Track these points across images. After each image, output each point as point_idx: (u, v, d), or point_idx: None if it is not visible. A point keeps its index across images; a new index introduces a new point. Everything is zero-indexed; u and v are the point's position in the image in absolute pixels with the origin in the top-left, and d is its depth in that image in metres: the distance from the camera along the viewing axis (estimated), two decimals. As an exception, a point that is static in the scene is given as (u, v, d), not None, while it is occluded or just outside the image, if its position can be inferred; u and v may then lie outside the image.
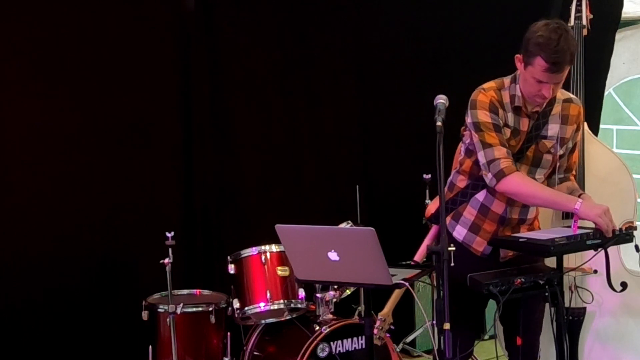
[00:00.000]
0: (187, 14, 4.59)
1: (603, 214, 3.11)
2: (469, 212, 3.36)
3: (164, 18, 4.54)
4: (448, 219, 3.41)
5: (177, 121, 4.60)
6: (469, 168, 3.34)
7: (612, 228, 3.12)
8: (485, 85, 3.27)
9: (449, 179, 3.49)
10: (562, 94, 3.33)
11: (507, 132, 3.24)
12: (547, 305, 3.26)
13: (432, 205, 3.59)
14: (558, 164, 3.35)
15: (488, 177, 3.19)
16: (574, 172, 3.44)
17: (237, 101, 4.76)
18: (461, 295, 2.97)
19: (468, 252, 3.30)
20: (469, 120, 3.25)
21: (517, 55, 3.19)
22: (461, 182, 3.39)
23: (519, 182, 3.17)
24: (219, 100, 4.70)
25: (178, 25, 4.57)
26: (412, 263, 3.59)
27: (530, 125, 3.27)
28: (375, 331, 3.62)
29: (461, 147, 3.41)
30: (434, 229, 3.61)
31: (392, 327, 4.08)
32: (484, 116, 3.19)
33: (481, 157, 3.20)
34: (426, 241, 3.70)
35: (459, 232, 3.37)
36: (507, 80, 3.29)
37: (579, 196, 3.24)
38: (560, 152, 3.33)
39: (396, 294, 3.88)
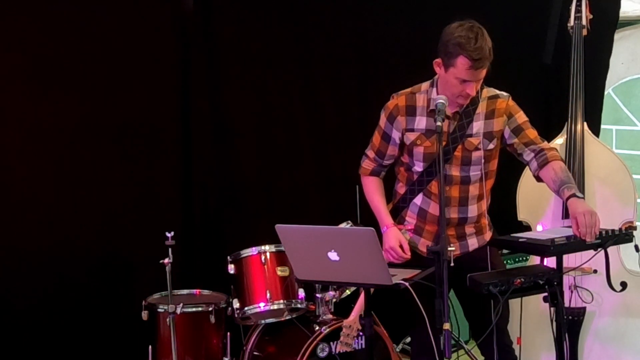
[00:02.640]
0: (186, 14, 4.58)
1: (389, 248, 3.34)
2: (410, 217, 3.52)
3: (163, 18, 4.53)
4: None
5: (176, 121, 4.60)
6: (405, 175, 3.51)
7: (396, 258, 3.32)
8: (400, 91, 3.49)
9: (394, 187, 3.58)
10: (487, 92, 3.42)
11: (412, 136, 3.38)
12: (547, 305, 3.26)
13: None
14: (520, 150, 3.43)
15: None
16: (544, 144, 3.41)
17: (237, 101, 4.76)
18: (423, 295, 2.98)
19: (415, 254, 3.44)
20: None
21: (436, 60, 3.31)
22: (400, 188, 3.57)
23: (364, 184, 3.62)
24: (218, 99, 4.69)
25: (177, 25, 4.57)
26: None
27: (453, 127, 3.35)
28: (341, 338, 3.64)
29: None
30: None
31: (361, 332, 4.06)
32: (382, 121, 3.49)
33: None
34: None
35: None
36: (425, 84, 3.45)
37: (569, 197, 3.21)
38: (491, 146, 3.40)
39: (362, 300, 3.85)
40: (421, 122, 3.37)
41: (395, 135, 3.43)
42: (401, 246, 3.34)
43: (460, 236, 3.46)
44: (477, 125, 3.36)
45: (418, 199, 3.45)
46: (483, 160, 3.38)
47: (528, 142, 3.41)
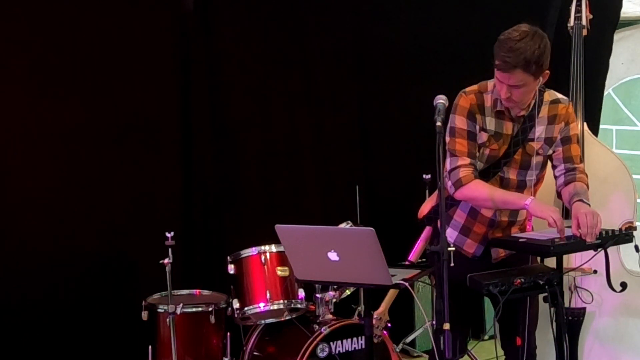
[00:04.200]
0: (186, 14, 4.58)
1: (554, 212, 3.12)
2: (459, 216, 3.41)
3: (163, 18, 4.53)
4: (439, 222, 3.45)
5: (176, 121, 4.60)
6: None
7: (560, 227, 3.11)
8: (467, 89, 3.32)
9: (440, 182, 3.52)
10: (549, 96, 3.35)
11: (484, 136, 3.28)
12: (547, 305, 3.26)
13: (425, 206, 3.61)
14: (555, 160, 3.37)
15: (448, 185, 3.26)
16: (580, 166, 3.39)
17: (236, 101, 4.76)
18: (454, 296, 2.97)
19: (459, 254, 3.32)
20: (448, 123, 3.30)
21: None
22: (451, 187, 3.41)
23: (473, 189, 3.24)
24: (218, 100, 4.70)
25: (177, 25, 4.57)
26: (407, 263, 3.61)
27: (517, 129, 3.29)
28: None
29: None
30: (427, 230, 3.63)
31: (389, 324, 4.08)
32: (460, 122, 3.25)
33: (447, 164, 3.27)
34: (420, 242, 3.70)
35: (450, 234, 3.41)
36: (491, 83, 3.31)
37: (575, 202, 3.21)
38: (550, 151, 3.36)
39: (392, 292, 3.89)
40: (491, 123, 3.28)
41: (477, 131, 3.27)
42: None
43: None
44: (540, 130, 3.30)
45: None
46: (540, 166, 3.34)
47: (568, 158, 3.35)
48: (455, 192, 3.26)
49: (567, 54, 4.31)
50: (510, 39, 3.09)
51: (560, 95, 3.39)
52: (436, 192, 3.52)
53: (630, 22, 5.66)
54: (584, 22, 4.28)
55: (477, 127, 3.27)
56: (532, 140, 3.30)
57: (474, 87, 3.31)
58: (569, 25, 4.32)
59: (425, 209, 3.58)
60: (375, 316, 3.64)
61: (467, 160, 3.25)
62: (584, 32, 4.28)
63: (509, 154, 3.29)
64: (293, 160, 4.92)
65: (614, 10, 5.19)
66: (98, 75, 4.34)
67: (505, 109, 3.27)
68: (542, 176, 3.41)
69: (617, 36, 5.36)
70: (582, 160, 3.44)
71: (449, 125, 3.29)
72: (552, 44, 4.85)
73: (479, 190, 3.24)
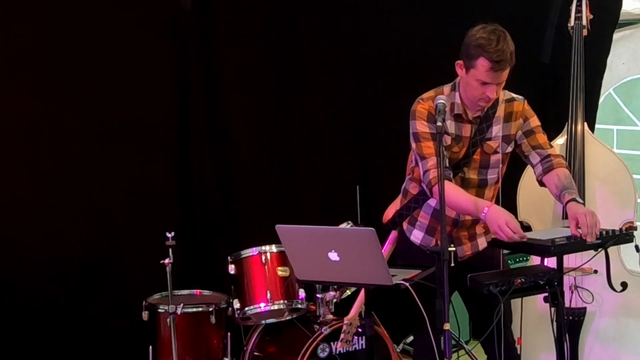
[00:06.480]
0: (184, 14, 4.58)
1: (504, 224, 3.08)
2: (423, 217, 3.48)
3: (161, 18, 4.53)
4: (405, 225, 3.56)
5: (174, 121, 4.60)
6: (419, 175, 3.41)
7: (510, 238, 3.07)
8: (424, 95, 3.37)
9: (403, 185, 3.58)
10: (504, 95, 3.40)
11: (448, 139, 3.33)
12: (547, 305, 3.26)
13: (389, 211, 3.65)
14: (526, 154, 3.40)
15: (425, 188, 3.29)
16: (552, 150, 3.39)
17: (234, 101, 4.76)
18: (425, 295, 2.97)
19: (428, 255, 3.33)
20: (410, 130, 3.35)
21: (458, 61, 3.27)
22: (413, 188, 3.51)
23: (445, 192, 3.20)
24: (216, 100, 4.69)
25: (175, 25, 4.57)
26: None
27: (474, 131, 3.35)
28: (342, 336, 3.65)
29: (412, 156, 3.51)
30: (393, 234, 3.64)
31: (360, 330, 4.06)
32: (422, 126, 3.29)
33: (419, 168, 3.33)
34: (387, 246, 3.71)
35: (417, 235, 3.51)
36: (446, 88, 3.37)
37: (568, 201, 3.20)
38: (509, 149, 3.40)
39: (361, 297, 3.88)
40: (452, 126, 3.33)
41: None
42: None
43: (472, 236, 3.47)
44: (496, 129, 3.35)
45: (433, 200, 3.39)
46: (499, 163, 3.38)
47: (536, 146, 3.39)
48: (429, 193, 3.29)
49: (568, 54, 4.31)
50: (492, 39, 3.16)
51: (514, 95, 3.43)
52: (399, 197, 3.60)
53: (631, 22, 5.65)
54: (584, 22, 4.28)
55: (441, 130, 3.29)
56: (490, 139, 3.35)
57: (431, 94, 3.36)
58: (569, 25, 4.32)
59: (389, 213, 3.63)
60: (345, 322, 3.64)
61: (435, 160, 3.24)
62: (584, 32, 4.28)
63: (468, 154, 3.34)
64: (293, 160, 4.92)
65: (614, 10, 5.19)
66: (96, 75, 4.34)
67: (463, 112, 3.32)
68: (503, 174, 3.44)
69: (618, 35, 5.35)
70: (551, 145, 3.46)
71: (411, 132, 3.35)
72: (553, 43, 4.86)
73: (448, 194, 3.13)
